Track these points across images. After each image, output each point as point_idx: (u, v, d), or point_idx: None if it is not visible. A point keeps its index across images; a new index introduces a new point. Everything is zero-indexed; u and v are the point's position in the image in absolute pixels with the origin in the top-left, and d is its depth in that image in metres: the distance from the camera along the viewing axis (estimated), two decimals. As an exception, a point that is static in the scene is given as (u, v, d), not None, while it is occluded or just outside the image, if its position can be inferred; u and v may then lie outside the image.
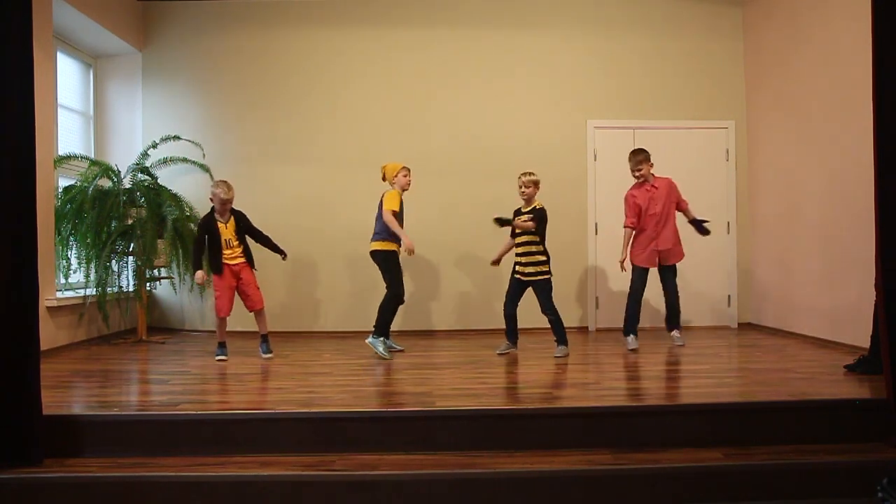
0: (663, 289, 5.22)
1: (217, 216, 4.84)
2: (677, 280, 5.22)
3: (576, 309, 6.43)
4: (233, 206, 4.90)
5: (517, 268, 4.93)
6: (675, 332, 5.28)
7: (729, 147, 6.54)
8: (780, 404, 3.41)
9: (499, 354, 4.96)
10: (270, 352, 4.97)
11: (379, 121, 6.41)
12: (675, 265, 5.19)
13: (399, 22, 6.46)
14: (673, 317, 5.27)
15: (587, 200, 6.45)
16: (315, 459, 3.12)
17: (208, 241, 4.81)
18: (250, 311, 4.99)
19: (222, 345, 4.87)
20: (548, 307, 4.83)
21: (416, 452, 3.19)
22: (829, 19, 5.22)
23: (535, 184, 4.87)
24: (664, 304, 5.29)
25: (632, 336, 5.10)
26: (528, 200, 4.91)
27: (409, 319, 6.22)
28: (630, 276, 5.18)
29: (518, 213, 4.98)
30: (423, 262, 6.22)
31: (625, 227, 5.20)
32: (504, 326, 5.05)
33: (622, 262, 5.17)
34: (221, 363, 4.73)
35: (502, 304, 5.01)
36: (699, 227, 5.15)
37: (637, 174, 5.13)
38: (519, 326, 5.06)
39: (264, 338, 5.00)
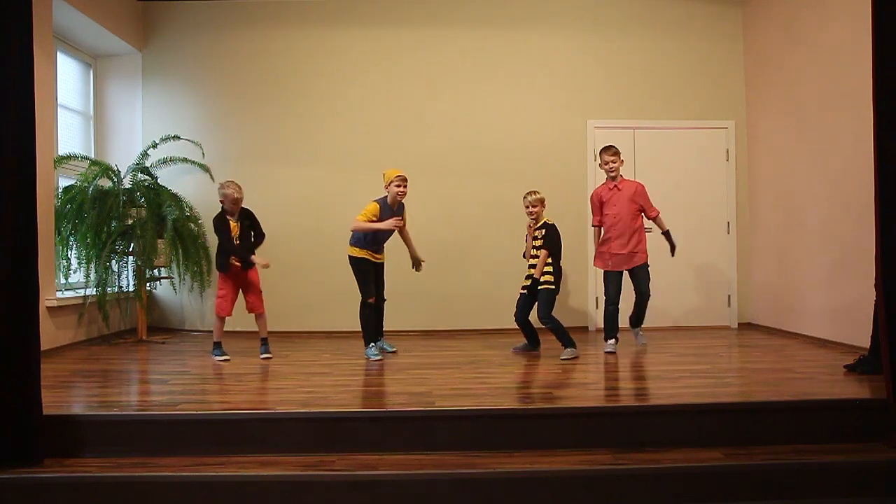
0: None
1: (227, 216, 4.83)
2: (650, 283, 5.07)
3: (576, 309, 6.42)
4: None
5: (526, 282, 4.94)
6: (637, 330, 5.26)
7: (729, 147, 6.53)
8: (780, 404, 3.41)
9: (513, 350, 5.05)
10: (269, 353, 4.94)
11: (379, 120, 6.40)
12: (645, 267, 5.02)
13: (399, 22, 6.46)
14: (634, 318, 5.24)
15: (587, 200, 6.43)
16: (315, 459, 3.12)
17: (221, 239, 4.78)
18: (250, 313, 4.97)
19: (220, 345, 4.85)
20: (545, 315, 4.79)
21: (416, 452, 3.19)
22: (828, 19, 5.21)
23: (541, 202, 4.89)
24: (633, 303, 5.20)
25: (611, 340, 5.01)
26: (537, 219, 4.89)
27: (409, 319, 6.21)
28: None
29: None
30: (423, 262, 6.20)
31: (592, 226, 5.24)
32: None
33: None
34: (222, 363, 4.72)
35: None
36: (670, 240, 5.01)
37: (611, 171, 4.98)
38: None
39: (264, 340, 4.98)
